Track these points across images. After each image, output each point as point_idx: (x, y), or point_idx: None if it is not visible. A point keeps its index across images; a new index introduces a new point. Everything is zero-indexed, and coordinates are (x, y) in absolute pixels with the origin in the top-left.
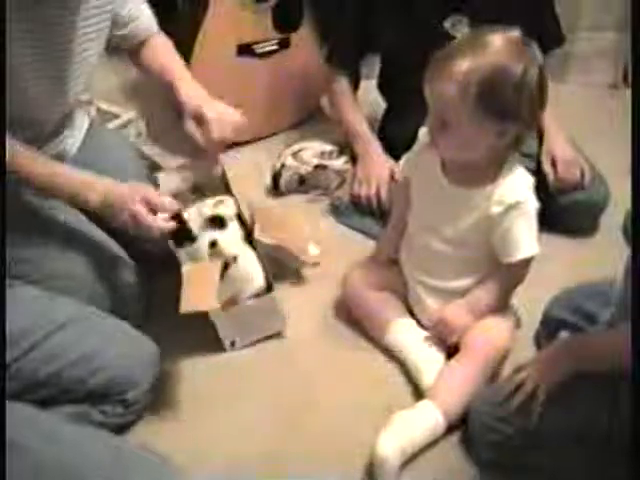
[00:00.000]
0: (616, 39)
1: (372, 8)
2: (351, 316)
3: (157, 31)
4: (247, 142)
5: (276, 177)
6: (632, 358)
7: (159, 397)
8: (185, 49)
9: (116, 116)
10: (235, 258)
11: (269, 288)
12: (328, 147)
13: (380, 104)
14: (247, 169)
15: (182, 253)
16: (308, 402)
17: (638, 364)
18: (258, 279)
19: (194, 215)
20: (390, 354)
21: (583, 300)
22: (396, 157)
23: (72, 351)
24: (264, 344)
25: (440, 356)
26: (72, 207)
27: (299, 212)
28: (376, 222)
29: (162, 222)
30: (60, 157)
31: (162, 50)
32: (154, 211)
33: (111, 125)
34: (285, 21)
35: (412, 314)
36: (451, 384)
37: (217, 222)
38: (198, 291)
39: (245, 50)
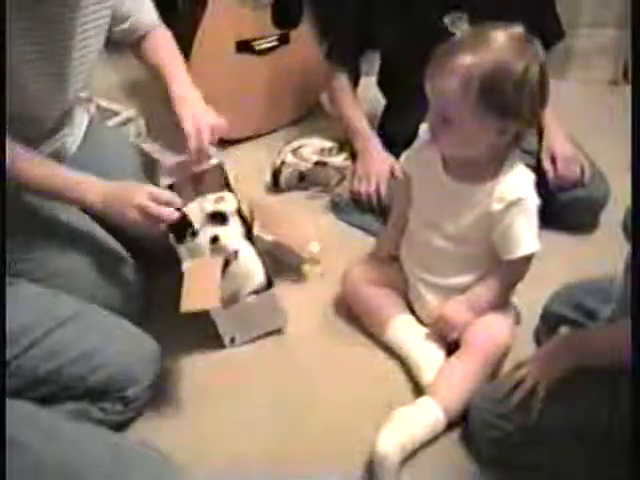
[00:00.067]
0: (616, 36)
1: (372, 5)
2: (351, 313)
3: (159, 24)
4: (247, 139)
5: (276, 174)
6: (632, 353)
7: (159, 394)
8: (184, 46)
9: (116, 113)
10: (236, 254)
11: (269, 285)
12: (328, 144)
13: (380, 101)
14: (247, 166)
15: (182, 249)
16: (308, 399)
17: (638, 359)
18: (258, 276)
19: (195, 211)
20: (390, 351)
21: (583, 296)
22: (396, 154)
23: (72, 348)
24: (264, 341)
25: (440, 353)
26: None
27: (300, 209)
28: (376, 219)
29: (170, 212)
30: (60, 154)
31: (161, 45)
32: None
33: (111, 123)
34: (284, 17)
35: (412, 311)
36: (451, 381)
37: (218, 218)
38: (199, 289)
39: (244, 47)
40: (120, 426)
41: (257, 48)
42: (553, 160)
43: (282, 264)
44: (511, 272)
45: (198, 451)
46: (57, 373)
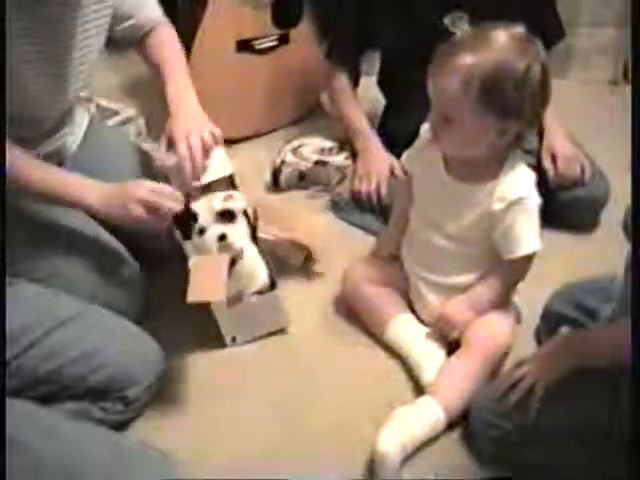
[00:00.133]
0: (616, 35)
1: (372, 4)
2: (352, 312)
3: (162, 21)
4: (247, 138)
5: (276, 173)
6: (632, 353)
7: (160, 393)
8: (185, 45)
9: (116, 113)
10: (242, 253)
11: (272, 286)
12: (328, 143)
13: (380, 101)
14: (247, 165)
15: (189, 246)
16: (309, 398)
17: (638, 359)
18: (262, 276)
19: (202, 208)
20: (391, 350)
21: (584, 296)
22: (396, 154)
23: (72, 348)
24: (265, 340)
25: (441, 352)
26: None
27: (300, 209)
28: (376, 218)
29: (174, 203)
30: (60, 154)
31: (166, 42)
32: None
33: (111, 122)
34: (284, 17)
35: (413, 310)
36: (452, 380)
37: (227, 216)
38: (206, 282)
39: (244, 46)
40: (120, 426)
41: (257, 47)
42: (553, 159)
43: (284, 264)
44: (512, 271)
45: (199, 451)
46: (57, 373)
